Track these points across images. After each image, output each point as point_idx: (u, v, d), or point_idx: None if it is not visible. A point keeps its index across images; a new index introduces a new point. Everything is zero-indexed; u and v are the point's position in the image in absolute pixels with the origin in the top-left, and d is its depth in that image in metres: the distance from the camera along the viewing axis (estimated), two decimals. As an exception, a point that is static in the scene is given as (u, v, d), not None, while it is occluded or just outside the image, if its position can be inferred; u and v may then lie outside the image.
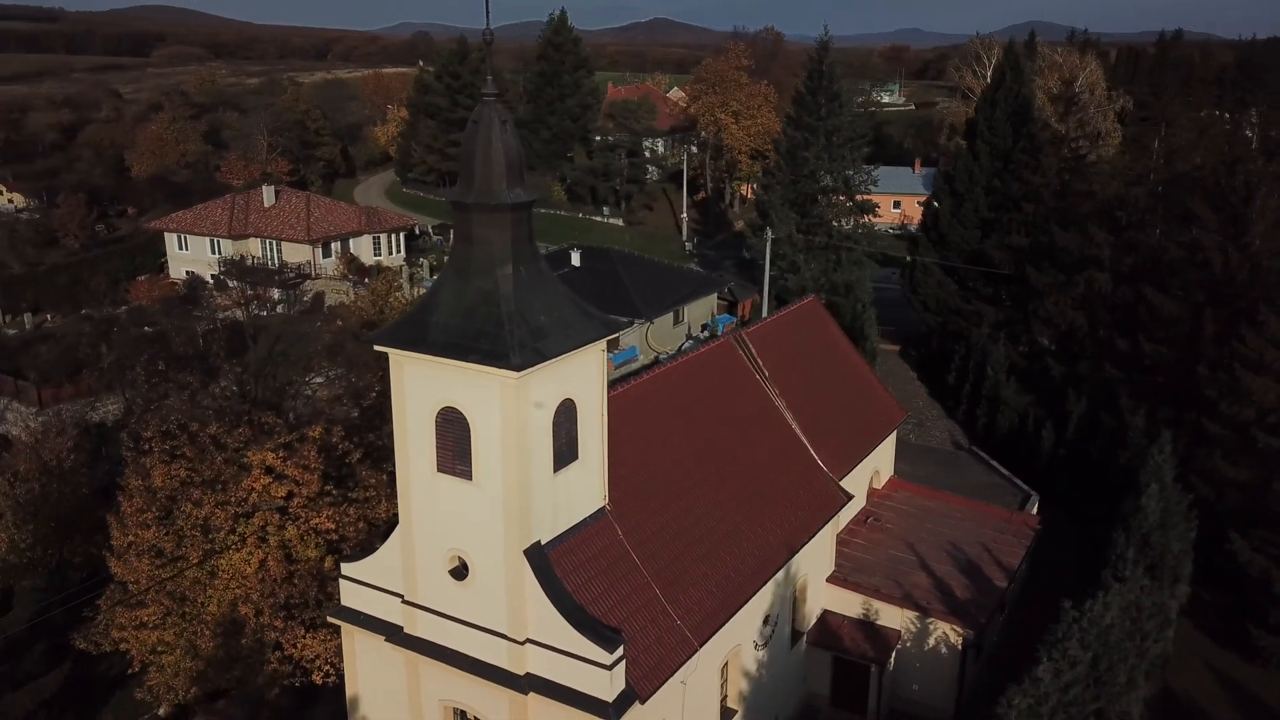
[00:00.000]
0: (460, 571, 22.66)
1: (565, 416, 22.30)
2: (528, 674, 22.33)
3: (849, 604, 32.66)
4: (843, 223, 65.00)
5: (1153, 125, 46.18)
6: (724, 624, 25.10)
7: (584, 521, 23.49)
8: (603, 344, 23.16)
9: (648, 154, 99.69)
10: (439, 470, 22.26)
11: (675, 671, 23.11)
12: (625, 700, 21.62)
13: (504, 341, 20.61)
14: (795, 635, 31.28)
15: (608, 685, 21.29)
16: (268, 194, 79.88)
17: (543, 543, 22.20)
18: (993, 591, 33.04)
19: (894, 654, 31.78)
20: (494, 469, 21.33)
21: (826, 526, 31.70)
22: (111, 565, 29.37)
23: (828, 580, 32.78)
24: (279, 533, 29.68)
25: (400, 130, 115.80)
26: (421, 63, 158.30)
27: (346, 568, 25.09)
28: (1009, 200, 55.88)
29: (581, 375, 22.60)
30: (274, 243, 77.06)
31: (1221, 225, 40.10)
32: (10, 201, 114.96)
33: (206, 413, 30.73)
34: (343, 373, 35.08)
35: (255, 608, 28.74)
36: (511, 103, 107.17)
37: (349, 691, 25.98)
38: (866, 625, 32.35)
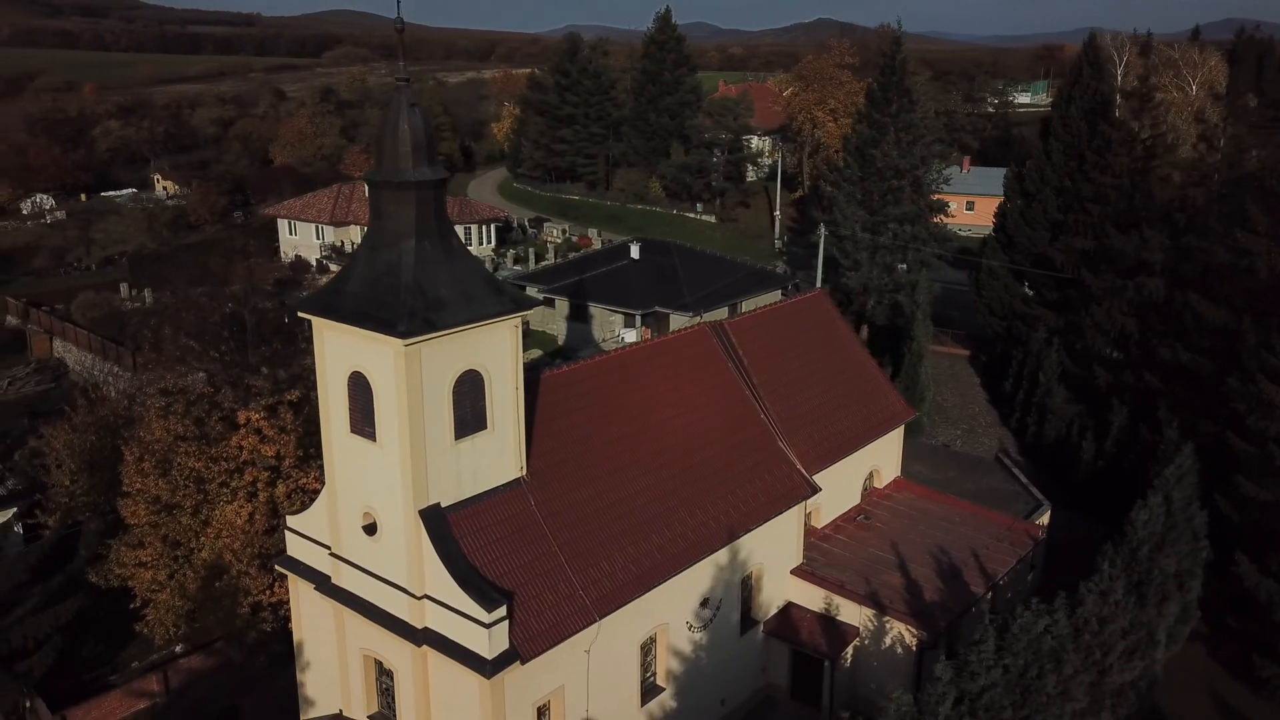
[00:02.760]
0: (371, 528, 24.13)
1: (470, 387, 23.40)
2: (425, 628, 23.60)
3: (812, 598, 32.48)
4: (922, 221, 63.22)
5: (1222, 124, 43.29)
6: (633, 600, 25.61)
7: (495, 489, 24.54)
8: (515, 320, 24.15)
9: (747, 151, 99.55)
10: (352, 431, 23.82)
11: (566, 639, 23.86)
12: (505, 659, 22.57)
13: (398, 310, 21.91)
14: (749, 623, 31.37)
15: (486, 643, 22.29)
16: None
17: (443, 505, 23.40)
18: (964, 597, 32.16)
19: (851, 651, 31.43)
20: (393, 432, 22.67)
21: (788, 517, 31.65)
22: (120, 507, 32.45)
23: (792, 572, 32.69)
24: (268, 489, 32.07)
25: (513, 127, 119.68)
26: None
27: (291, 520, 27.05)
28: (1078, 201, 53.39)
29: (489, 348, 23.64)
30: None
31: (1271, 229, 37.40)
32: (164, 189, 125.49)
33: (196, 373, 33.51)
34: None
35: (237, 556, 31.18)
36: (618, 100, 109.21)
37: (295, 636, 27.98)
38: (826, 620, 32.10)
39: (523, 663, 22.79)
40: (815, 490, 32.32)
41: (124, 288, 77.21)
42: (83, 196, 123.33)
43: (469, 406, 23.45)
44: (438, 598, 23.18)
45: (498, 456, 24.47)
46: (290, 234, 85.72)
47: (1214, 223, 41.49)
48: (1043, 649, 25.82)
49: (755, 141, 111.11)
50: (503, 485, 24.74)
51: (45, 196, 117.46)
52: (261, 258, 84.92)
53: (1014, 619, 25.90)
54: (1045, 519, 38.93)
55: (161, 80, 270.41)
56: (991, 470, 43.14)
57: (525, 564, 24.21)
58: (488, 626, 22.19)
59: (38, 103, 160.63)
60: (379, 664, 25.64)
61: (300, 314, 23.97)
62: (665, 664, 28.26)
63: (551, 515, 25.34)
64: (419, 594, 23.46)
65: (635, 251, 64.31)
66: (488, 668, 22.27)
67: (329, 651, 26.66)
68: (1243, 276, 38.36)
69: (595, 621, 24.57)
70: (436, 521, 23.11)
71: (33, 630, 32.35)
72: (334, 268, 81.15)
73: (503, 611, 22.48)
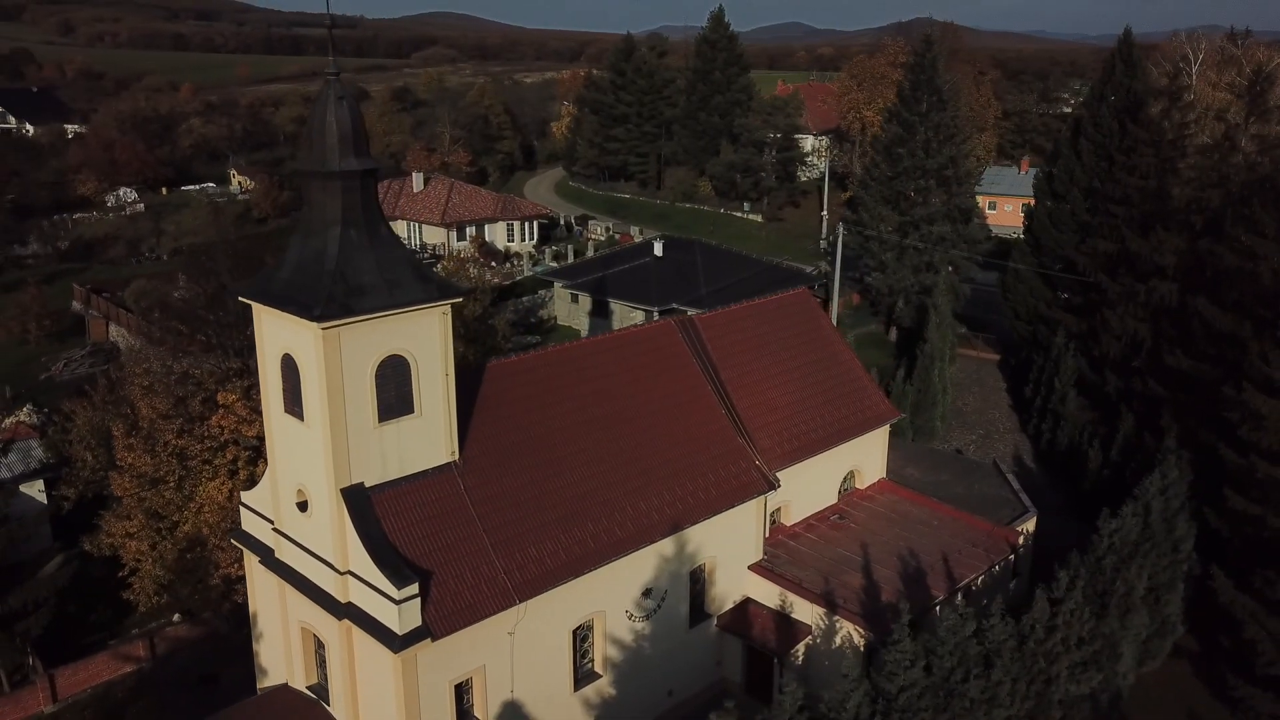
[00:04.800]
0: (304, 505, 25.13)
1: (394, 371, 24.17)
2: (349, 603, 24.49)
3: (769, 594, 32.43)
4: (951, 222, 62.12)
5: (1243, 123, 41.55)
6: (559, 586, 26.03)
7: (424, 472, 25.29)
8: (444, 308, 24.85)
9: (796, 151, 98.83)
10: (285, 411, 24.86)
11: (481, 620, 24.44)
12: (416, 636, 23.28)
13: (317, 295, 22.81)
14: (701, 616, 31.51)
15: (397, 618, 23.05)
16: (417, 180, 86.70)
17: (367, 485, 24.24)
18: (921, 600, 31.68)
19: (803, 649, 31.32)
20: (317, 412, 23.59)
21: (744, 512, 31.70)
22: (112, 480, 34.31)
23: (750, 568, 32.71)
24: (249, 467, 33.51)
25: (569, 125, 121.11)
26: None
27: (245, 496, 28.27)
28: (1104, 203, 51.82)
29: (416, 335, 24.39)
30: (417, 225, 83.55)
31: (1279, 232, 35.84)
32: (239, 184, 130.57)
33: (180, 356, 35.21)
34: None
35: (214, 530, 32.68)
36: (672, 99, 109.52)
37: (250, 607, 29.22)
38: (781, 617, 32.04)
39: (433, 640, 23.46)
40: (772, 486, 32.25)
41: (183, 277, 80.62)
42: (164, 190, 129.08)
43: (393, 390, 24.22)
44: (359, 574, 24.04)
45: (426, 440, 25.19)
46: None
47: (1228, 226, 39.92)
48: (969, 653, 25.44)
49: (810, 141, 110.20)
50: (432, 469, 25.46)
51: (129, 190, 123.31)
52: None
53: (942, 620, 25.64)
54: (1030, 526, 37.95)
55: (257, 80, 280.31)
56: (988, 475, 42.16)
57: (447, 546, 24.88)
58: (398, 603, 22.94)
59: (132, 101, 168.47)
60: (316, 637, 26.63)
61: (241, 299, 25.12)
62: (603, 651, 28.61)
63: (482, 500, 25.97)
64: (343, 569, 24.36)
65: (659, 249, 64.74)
66: (397, 643, 23.01)
67: (277, 623, 27.80)
68: (1249, 281, 36.87)
69: (515, 605, 25.09)
70: (358, 500, 23.95)
71: (31, 594, 34.48)
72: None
73: (414, 589, 23.18)
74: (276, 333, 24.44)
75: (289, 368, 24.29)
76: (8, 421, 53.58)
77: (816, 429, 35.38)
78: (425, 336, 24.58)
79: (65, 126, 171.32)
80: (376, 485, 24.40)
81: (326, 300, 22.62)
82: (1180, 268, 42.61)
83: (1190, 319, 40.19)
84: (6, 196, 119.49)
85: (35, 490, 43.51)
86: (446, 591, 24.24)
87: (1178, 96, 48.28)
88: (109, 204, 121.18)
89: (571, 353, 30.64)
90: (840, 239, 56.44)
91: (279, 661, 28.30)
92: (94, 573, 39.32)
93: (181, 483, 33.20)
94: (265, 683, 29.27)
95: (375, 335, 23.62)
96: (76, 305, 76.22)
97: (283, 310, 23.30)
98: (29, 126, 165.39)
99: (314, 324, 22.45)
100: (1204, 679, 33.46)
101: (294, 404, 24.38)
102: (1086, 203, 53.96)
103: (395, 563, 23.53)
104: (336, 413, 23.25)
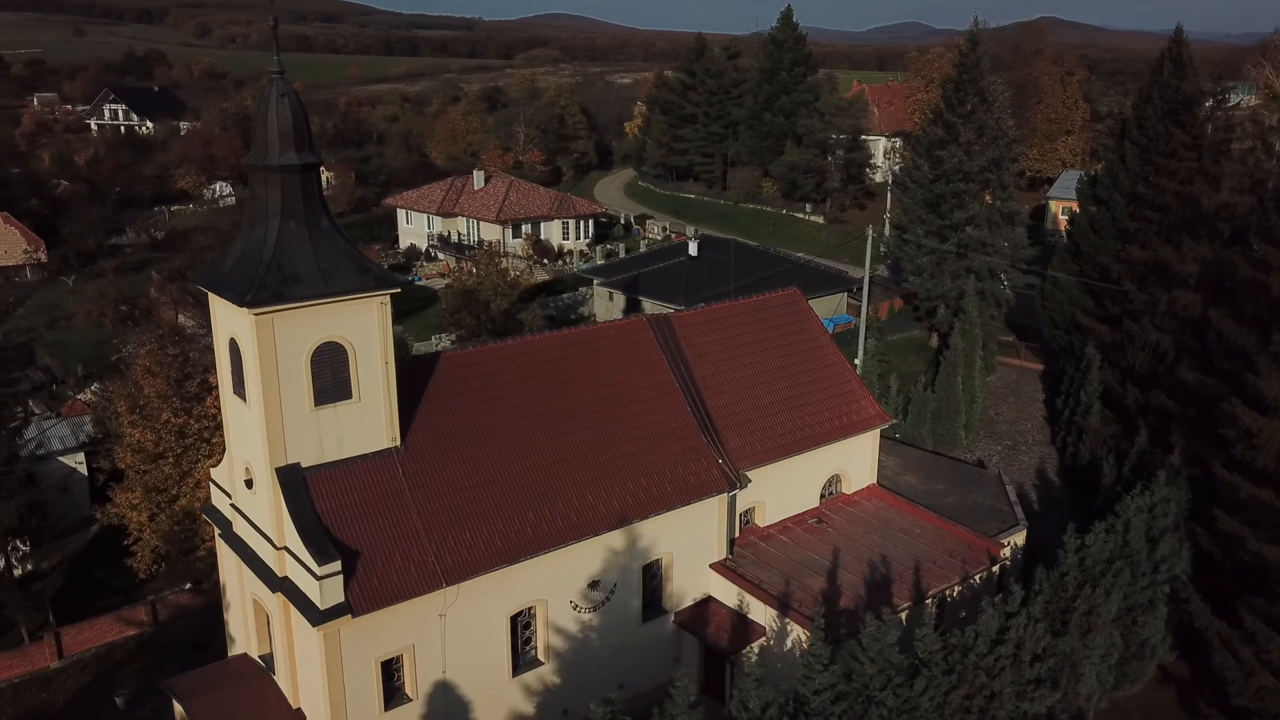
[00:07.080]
0: (250, 482, 26.45)
1: (331, 357, 25.22)
2: (284, 577, 25.68)
3: (730, 594, 32.45)
4: (993, 227, 60.46)
5: (1276, 125, 39.34)
6: (490, 572, 26.66)
7: (362, 456, 26.28)
8: (382, 298, 25.79)
9: (859, 153, 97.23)
10: (234, 392, 26.22)
11: (405, 600, 25.27)
12: (337, 611, 24.28)
13: (251, 282, 24.01)
14: (657, 612, 31.73)
15: (319, 593, 24.09)
16: (478, 178, 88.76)
17: (303, 466, 25.36)
18: (879, 607, 31.15)
19: (757, 650, 31.22)
20: (255, 394, 24.83)
21: (704, 510, 31.80)
22: (117, 454, 36.56)
23: (711, 566, 32.77)
24: (243, 447, 35.22)
25: (640, 126, 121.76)
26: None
27: (213, 472, 29.83)
28: (1145, 208, 49.70)
29: (353, 323, 25.39)
30: (476, 222, 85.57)
31: (1295, 241, 33.96)
32: (327, 179, 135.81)
33: (174, 339, 37.28)
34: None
35: (203, 505, 34.48)
36: (741, 100, 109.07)
37: (220, 578, 30.79)
38: (738, 617, 32.02)
39: (353, 616, 24.41)
40: (735, 485, 32.21)
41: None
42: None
43: (329, 376, 25.25)
44: (292, 550, 25.19)
45: (364, 426, 26.15)
46: (406, 223, 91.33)
47: (1251, 234, 37.92)
48: (891, 661, 25.03)
49: (883, 143, 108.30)
50: (372, 453, 26.42)
51: (224, 184, 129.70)
52: (382, 245, 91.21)
53: (863, 627, 25.31)
54: (1019, 539, 36.79)
55: (366, 80, 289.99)
56: (988, 486, 41.01)
57: (379, 528, 25.79)
58: (319, 578, 23.96)
59: (237, 100, 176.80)
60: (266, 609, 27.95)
61: (197, 285, 26.58)
62: (545, 640, 29.12)
63: (420, 486, 26.81)
64: (279, 545, 25.54)
65: (693, 248, 64.89)
66: (317, 616, 24.05)
67: (238, 595, 29.28)
68: (1263, 293, 35.00)
69: (443, 588, 25.83)
70: (292, 480, 25.06)
71: (48, 556, 37.05)
72: (441, 256, 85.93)
73: (336, 566, 24.17)
74: (224, 317, 25.82)
75: (234, 351, 25.63)
76: (75, 398, 57.64)
77: (793, 431, 35.13)
78: (363, 325, 25.55)
79: (179, 124, 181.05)
80: (314, 466, 25.48)
81: (259, 287, 23.77)
82: (1204, 278, 40.65)
83: (1208, 332, 38.39)
84: (114, 189, 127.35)
85: (76, 461, 46.56)
86: (373, 571, 25.16)
87: (1223, 98, 45.99)
88: (205, 197, 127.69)
89: (531, 346, 31.25)
90: (869, 242, 55.53)
91: (241, 632, 29.78)
92: (119, 540, 41.95)
93: (180, 459, 35.12)
94: (233, 651, 30.80)
95: (310, 322, 24.68)
96: (154, 292, 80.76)
97: (221, 296, 24.64)
98: (148, 124, 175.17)
99: (247, 309, 23.66)
100: (1187, 707, 31.97)
101: (239, 385, 25.70)
102: (1128, 208, 51.79)
103: (321, 540, 24.56)
104: (271, 395, 24.41)
